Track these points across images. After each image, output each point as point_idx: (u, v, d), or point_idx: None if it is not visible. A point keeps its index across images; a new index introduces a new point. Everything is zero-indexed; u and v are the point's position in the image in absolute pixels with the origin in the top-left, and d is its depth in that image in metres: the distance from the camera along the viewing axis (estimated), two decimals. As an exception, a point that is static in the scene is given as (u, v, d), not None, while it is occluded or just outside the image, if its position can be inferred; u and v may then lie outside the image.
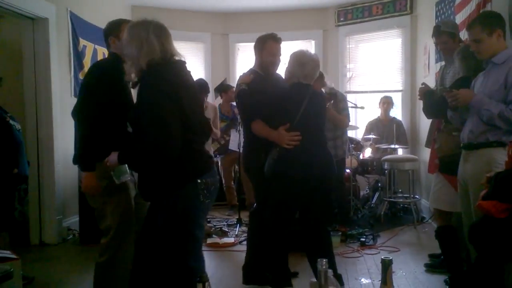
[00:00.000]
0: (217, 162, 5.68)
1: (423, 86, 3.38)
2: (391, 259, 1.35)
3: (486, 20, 2.56)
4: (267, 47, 3.15)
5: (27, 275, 3.18)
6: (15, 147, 3.37)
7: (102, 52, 5.41)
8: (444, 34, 3.45)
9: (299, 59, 2.98)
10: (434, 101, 3.17)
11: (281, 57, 3.20)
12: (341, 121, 4.63)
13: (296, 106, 2.89)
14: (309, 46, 6.78)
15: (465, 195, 2.66)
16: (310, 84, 3.00)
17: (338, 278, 2.88)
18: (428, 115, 3.44)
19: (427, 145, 3.95)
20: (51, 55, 4.38)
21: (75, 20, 4.79)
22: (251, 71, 3.22)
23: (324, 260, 1.31)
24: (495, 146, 2.47)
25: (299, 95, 2.92)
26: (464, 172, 2.67)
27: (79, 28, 4.84)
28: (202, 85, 4.57)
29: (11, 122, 3.49)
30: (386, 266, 1.33)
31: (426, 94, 3.26)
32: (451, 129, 2.98)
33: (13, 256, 2.80)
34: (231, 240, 4.41)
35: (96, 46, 5.15)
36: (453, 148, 2.93)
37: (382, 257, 1.35)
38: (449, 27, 3.53)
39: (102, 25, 5.88)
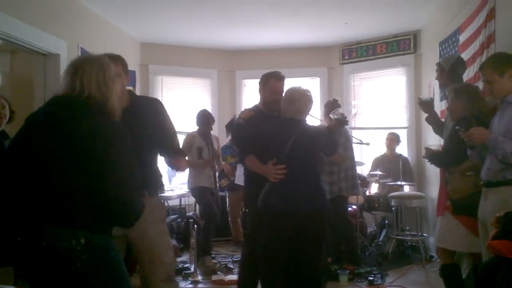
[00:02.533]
0: (225, 197, 5.69)
1: (428, 148, 3.39)
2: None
3: (496, 62, 2.63)
4: (269, 85, 3.24)
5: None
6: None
7: (111, 87, 5.50)
8: (437, 65, 3.59)
9: (290, 96, 3.08)
10: (443, 155, 3.19)
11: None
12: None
13: (284, 141, 2.94)
14: (314, 83, 6.88)
15: (485, 233, 2.63)
16: (301, 120, 3.07)
17: None
18: (444, 167, 3.31)
19: None
20: (61, 90, 4.44)
21: (85, 56, 4.89)
22: (254, 107, 3.28)
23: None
24: None
25: (288, 130, 2.98)
26: (484, 209, 2.65)
27: (89, 64, 4.94)
28: (206, 115, 5.27)
29: None
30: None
31: (432, 156, 3.26)
32: (463, 169, 2.95)
33: (17, 292, 2.76)
34: (236, 277, 4.32)
35: (105, 82, 5.22)
36: (469, 188, 2.91)
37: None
38: (443, 60, 3.65)
39: (113, 61, 5.89)
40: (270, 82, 3.23)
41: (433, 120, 3.76)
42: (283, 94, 3.16)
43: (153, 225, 2.51)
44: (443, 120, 3.72)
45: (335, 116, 3.30)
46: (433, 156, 3.24)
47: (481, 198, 2.69)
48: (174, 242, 4.48)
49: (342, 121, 3.33)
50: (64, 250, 1.75)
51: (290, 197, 2.88)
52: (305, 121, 3.14)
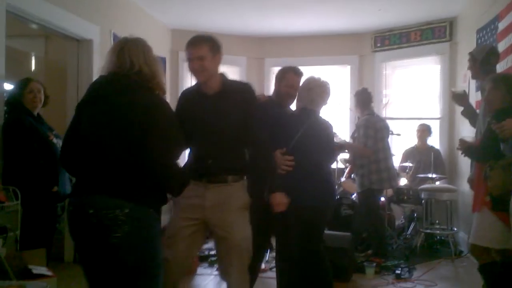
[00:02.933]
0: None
1: (463, 140, 3.23)
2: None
3: None
4: (287, 77, 3.17)
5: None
6: (56, 165, 3.43)
7: (141, 73, 5.54)
8: (469, 55, 3.44)
9: (307, 84, 3.06)
10: (479, 149, 3.04)
11: None
12: (353, 150, 4.72)
13: (294, 131, 2.90)
14: (344, 71, 6.76)
15: None
16: (314, 110, 3.01)
17: None
18: (480, 161, 3.18)
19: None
20: (94, 75, 4.51)
21: (117, 41, 4.93)
22: (268, 97, 3.24)
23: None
24: None
25: (298, 120, 2.94)
26: None
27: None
28: None
29: (55, 140, 3.57)
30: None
31: (467, 149, 3.14)
32: (506, 164, 2.82)
33: (49, 273, 2.84)
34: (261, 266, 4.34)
35: (136, 67, 5.27)
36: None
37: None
38: (475, 50, 3.50)
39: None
40: (288, 75, 3.16)
41: (469, 114, 3.64)
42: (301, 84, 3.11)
43: (232, 213, 2.43)
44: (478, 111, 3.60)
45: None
46: (468, 149, 3.13)
47: None
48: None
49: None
50: (108, 220, 1.84)
51: (294, 190, 2.74)
52: (319, 113, 3.08)
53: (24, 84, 3.59)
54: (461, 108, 3.78)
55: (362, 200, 4.76)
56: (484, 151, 2.99)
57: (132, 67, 1.98)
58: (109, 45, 4.79)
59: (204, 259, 4.51)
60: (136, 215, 1.87)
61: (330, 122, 3.27)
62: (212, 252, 4.68)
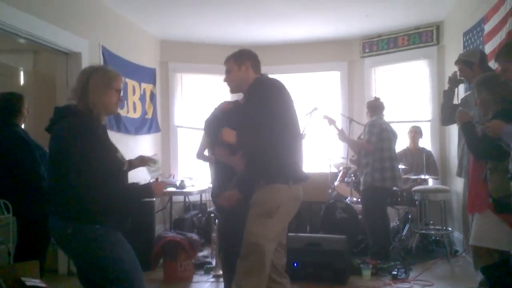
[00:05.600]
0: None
1: (462, 111, 3.11)
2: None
3: (510, 49, 2.56)
4: None
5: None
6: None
7: (132, 85, 5.56)
8: (459, 62, 3.48)
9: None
10: (479, 141, 2.95)
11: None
12: (358, 146, 4.83)
13: None
14: (334, 78, 6.82)
15: None
16: None
17: None
18: (477, 157, 3.09)
19: (458, 174, 3.86)
20: (83, 88, 4.51)
21: (106, 54, 4.95)
22: (234, 101, 3.29)
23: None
24: None
25: None
26: None
27: (111, 62, 4.99)
28: None
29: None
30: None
31: (466, 126, 2.99)
32: (505, 167, 2.78)
33: (43, 285, 2.82)
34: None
35: (127, 79, 5.29)
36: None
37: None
38: (465, 56, 3.54)
39: (133, 59, 6.03)
40: None
41: (449, 95, 3.80)
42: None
43: (250, 217, 2.53)
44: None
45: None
46: (467, 126, 2.97)
47: None
48: (195, 236, 4.50)
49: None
50: (59, 237, 2.17)
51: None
52: None
53: (21, 99, 3.53)
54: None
55: (363, 198, 4.77)
56: (479, 148, 2.97)
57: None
58: (98, 58, 4.84)
59: (200, 266, 4.49)
60: (80, 233, 2.09)
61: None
62: (208, 260, 4.67)
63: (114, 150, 2.26)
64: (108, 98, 2.25)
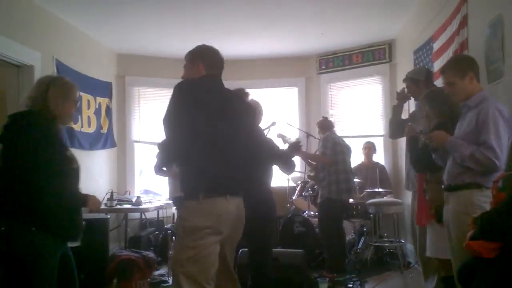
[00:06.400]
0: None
1: (410, 126, 3.36)
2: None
3: (457, 64, 2.64)
4: None
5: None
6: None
7: (87, 99, 5.44)
8: (407, 80, 3.66)
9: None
10: (419, 153, 3.14)
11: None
12: (314, 159, 5.00)
13: None
14: (292, 93, 6.94)
15: (451, 238, 2.65)
16: None
17: None
18: (417, 169, 3.31)
19: (406, 187, 4.01)
20: (36, 101, 4.37)
21: (60, 67, 4.83)
22: None
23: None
24: (471, 188, 2.47)
25: None
26: (446, 214, 2.67)
27: (65, 75, 4.85)
28: None
29: None
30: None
31: (412, 139, 3.24)
32: (439, 178, 2.92)
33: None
34: None
35: (81, 93, 5.16)
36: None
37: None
38: (412, 73, 3.73)
39: (88, 72, 5.88)
40: None
41: (397, 111, 3.99)
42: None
43: None
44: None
45: (289, 141, 3.46)
46: (412, 141, 3.21)
47: (445, 203, 2.69)
48: (151, 254, 4.41)
49: (296, 146, 3.48)
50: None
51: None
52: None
53: None
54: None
55: (320, 210, 4.85)
56: (419, 160, 3.12)
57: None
58: (52, 71, 4.71)
59: (156, 285, 4.40)
60: (12, 231, 2.10)
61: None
62: (164, 278, 4.58)
63: (65, 148, 2.31)
64: (66, 108, 2.31)
